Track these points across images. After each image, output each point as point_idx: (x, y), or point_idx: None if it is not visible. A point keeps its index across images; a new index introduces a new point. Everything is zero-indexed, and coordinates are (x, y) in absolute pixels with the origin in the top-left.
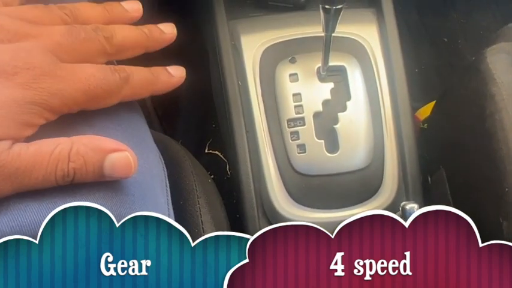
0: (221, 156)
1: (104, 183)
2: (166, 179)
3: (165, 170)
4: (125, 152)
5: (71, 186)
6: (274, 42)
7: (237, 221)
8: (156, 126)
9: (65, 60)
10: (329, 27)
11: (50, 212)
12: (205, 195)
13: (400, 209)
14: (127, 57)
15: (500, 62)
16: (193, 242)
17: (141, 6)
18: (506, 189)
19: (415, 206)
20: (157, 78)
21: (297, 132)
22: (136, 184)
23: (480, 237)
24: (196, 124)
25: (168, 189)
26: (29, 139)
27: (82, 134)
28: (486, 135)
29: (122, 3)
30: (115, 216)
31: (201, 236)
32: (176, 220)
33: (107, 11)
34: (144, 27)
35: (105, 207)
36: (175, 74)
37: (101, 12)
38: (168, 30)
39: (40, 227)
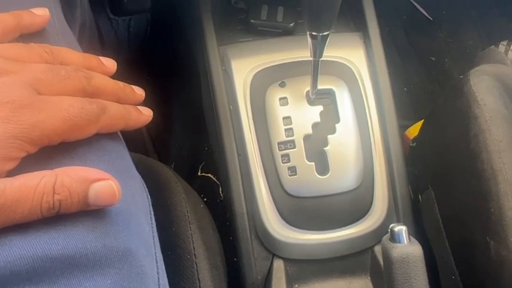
0: (214, 178)
1: (87, 214)
2: (151, 207)
3: (149, 197)
4: (108, 181)
5: (55, 218)
6: (264, 66)
7: (230, 243)
8: (149, 148)
9: (43, 94)
10: (317, 52)
11: (34, 247)
12: (198, 220)
13: (389, 231)
14: None
15: (483, 84)
16: (185, 268)
17: (116, 64)
18: (492, 210)
19: (404, 228)
20: (129, 113)
21: (287, 155)
22: (121, 214)
23: (469, 257)
24: (189, 147)
25: (153, 217)
26: (11, 172)
27: (64, 165)
28: (471, 155)
29: (100, 57)
30: (100, 247)
31: (193, 262)
32: (168, 246)
33: (86, 59)
34: (119, 82)
35: (89, 238)
36: (145, 112)
37: (80, 58)
38: (139, 92)
39: (26, 261)
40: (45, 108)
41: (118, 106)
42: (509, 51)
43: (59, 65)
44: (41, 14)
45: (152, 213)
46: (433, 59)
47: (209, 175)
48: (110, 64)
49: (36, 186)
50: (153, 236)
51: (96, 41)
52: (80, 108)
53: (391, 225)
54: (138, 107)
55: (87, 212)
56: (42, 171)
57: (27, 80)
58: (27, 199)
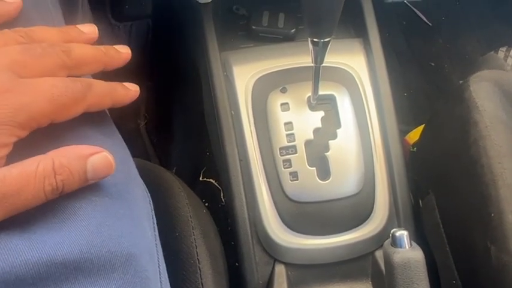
0: (215, 183)
1: (91, 220)
2: (153, 212)
3: (151, 203)
4: (103, 153)
5: (59, 223)
6: (266, 72)
7: (232, 249)
8: (151, 154)
9: (24, 76)
10: (318, 58)
11: (39, 252)
12: (200, 225)
13: (391, 236)
14: (86, 73)
15: (483, 90)
16: (189, 272)
17: (96, 28)
18: (492, 215)
19: (405, 232)
20: (115, 90)
21: (289, 160)
22: (124, 219)
23: (470, 262)
24: (190, 152)
25: (155, 222)
26: (8, 160)
27: None
28: (471, 161)
29: (78, 25)
30: (104, 252)
31: (197, 267)
32: (172, 251)
33: (63, 32)
34: (100, 46)
35: (93, 244)
36: (131, 88)
37: (57, 33)
38: (123, 50)
39: (31, 267)
40: (28, 90)
41: (103, 83)
42: (509, 57)
43: (34, 43)
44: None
45: (154, 218)
46: (433, 64)
47: (211, 180)
48: (90, 30)
49: (35, 171)
50: (156, 241)
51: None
52: (64, 87)
53: (393, 230)
54: (124, 83)
55: (91, 217)
56: (36, 156)
57: (4, 63)
58: (29, 185)
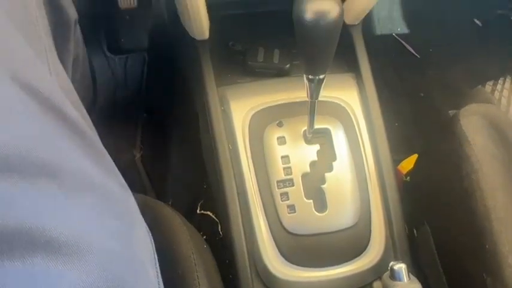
0: (213, 216)
1: (94, 266)
2: (155, 253)
3: (153, 243)
4: None
5: (68, 265)
6: (262, 107)
7: (230, 281)
8: (147, 186)
9: None
10: (313, 94)
11: (41, 283)
12: (202, 262)
13: (389, 269)
14: None
15: (473, 124)
16: None
17: None
18: (487, 246)
19: (403, 266)
20: None
21: (286, 193)
22: (127, 263)
23: None
24: (187, 184)
25: (157, 262)
26: None
27: (66, 208)
28: (464, 193)
29: None
30: None
31: None
32: None
33: None
34: None
35: (98, 285)
36: None
37: None
38: None
39: None
40: None
41: None
42: (496, 91)
43: None
44: None
45: (156, 258)
46: (422, 94)
47: (208, 213)
48: None
49: None
50: (159, 282)
51: (88, 76)
52: None
53: (391, 264)
54: None
55: (94, 262)
56: None
57: None
58: None
